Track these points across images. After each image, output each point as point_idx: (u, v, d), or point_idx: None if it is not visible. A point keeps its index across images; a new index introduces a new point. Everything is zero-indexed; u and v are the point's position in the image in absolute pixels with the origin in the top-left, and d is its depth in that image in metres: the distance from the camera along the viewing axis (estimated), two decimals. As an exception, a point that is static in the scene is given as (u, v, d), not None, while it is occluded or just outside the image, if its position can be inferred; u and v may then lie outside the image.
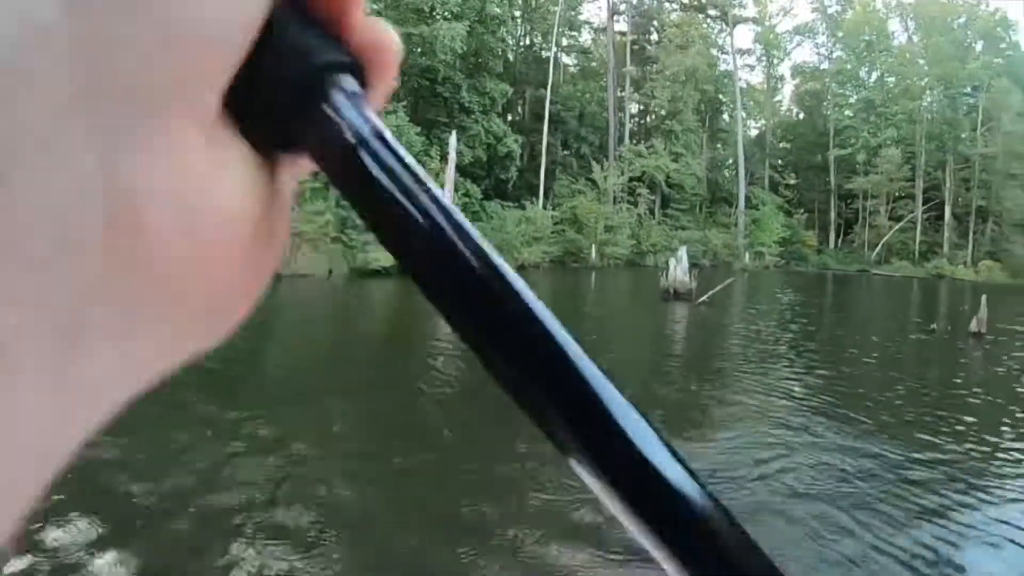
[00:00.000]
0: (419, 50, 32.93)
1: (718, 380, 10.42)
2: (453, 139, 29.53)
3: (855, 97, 65.12)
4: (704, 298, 20.49)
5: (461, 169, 33.84)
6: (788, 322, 18.68)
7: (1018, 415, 8.88)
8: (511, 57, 46.16)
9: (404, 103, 33.48)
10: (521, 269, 31.24)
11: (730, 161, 49.10)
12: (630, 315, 20.15)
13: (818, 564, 4.61)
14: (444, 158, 29.79)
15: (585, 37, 54.48)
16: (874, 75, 65.35)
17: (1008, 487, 6.21)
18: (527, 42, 48.17)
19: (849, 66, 65.39)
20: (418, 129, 31.36)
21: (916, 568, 4.55)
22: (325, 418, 7.23)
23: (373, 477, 5.75)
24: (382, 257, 24.02)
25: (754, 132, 64.60)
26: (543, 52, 48.75)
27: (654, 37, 54.46)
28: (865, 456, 6.75)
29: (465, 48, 36.35)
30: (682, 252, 22.44)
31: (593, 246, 36.08)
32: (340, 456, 6.15)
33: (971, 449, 7.18)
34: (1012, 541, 5.07)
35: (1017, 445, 7.42)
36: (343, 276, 23.89)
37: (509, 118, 45.54)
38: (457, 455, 6.46)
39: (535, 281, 27.97)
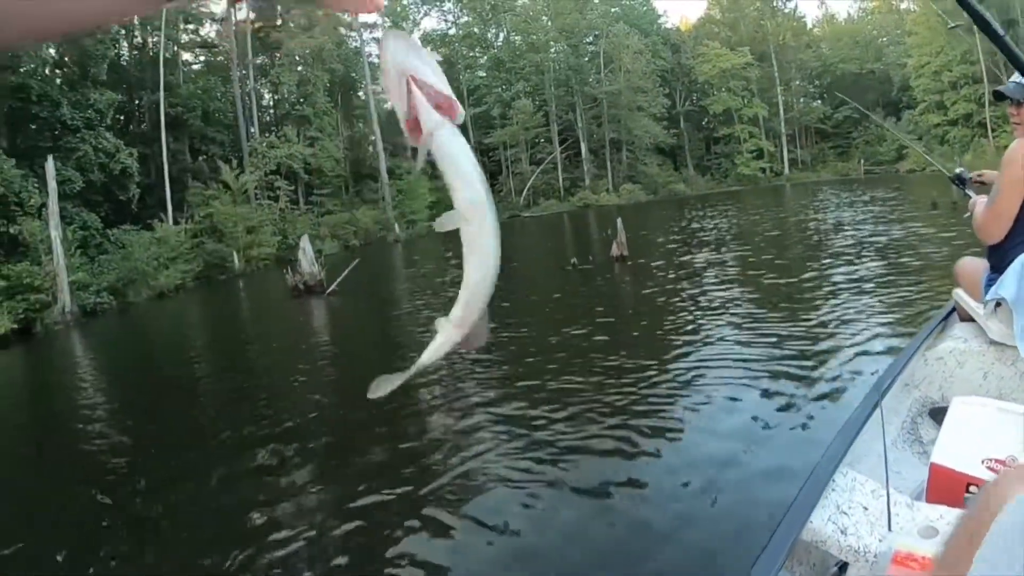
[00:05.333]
0: (6, 67, 29.40)
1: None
2: (50, 165, 26.63)
3: (485, 58, 69.48)
4: (333, 287, 20.09)
5: (73, 197, 31.15)
6: (421, 291, 18.87)
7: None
8: (125, 62, 43.34)
9: (-9, 134, 30.13)
10: (161, 297, 29.75)
11: (373, 137, 50.32)
12: (250, 325, 19.69)
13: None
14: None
15: (208, 29, 52.33)
16: (501, 35, 70.16)
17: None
18: (139, 42, 44.96)
19: (476, 29, 69.44)
20: (13, 161, 27.85)
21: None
22: None
23: None
24: None
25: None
26: (165, 53, 45.91)
27: (279, 22, 53.63)
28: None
29: (58, 56, 33.29)
30: (304, 242, 21.81)
31: (235, 252, 35.27)
32: None
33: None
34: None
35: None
36: None
37: (131, 129, 42.88)
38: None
39: (166, 309, 27.33)
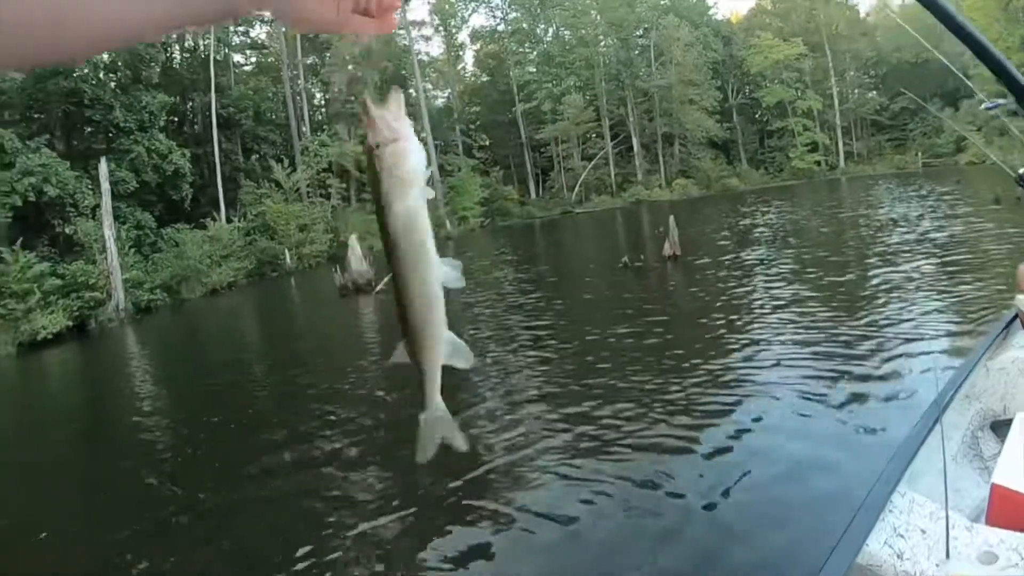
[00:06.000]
0: (59, 72, 29.46)
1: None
2: (103, 166, 27.09)
3: (534, 53, 68.72)
4: (381, 286, 19.21)
5: (127, 197, 31.46)
6: (472, 289, 17.86)
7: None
8: (176, 65, 43.63)
9: (47, 136, 30.27)
10: (213, 294, 30.03)
11: (424, 134, 49.87)
12: (299, 322, 19.64)
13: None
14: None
15: (258, 31, 52.55)
16: (551, 30, 69.30)
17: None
18: (191, 45, 45.32)
19: (525, 25, 68.70)
20: (67, 164, 28.35)
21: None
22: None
23: None
24: (49, 323, 22.23)
25: (441, 101, 66.25)
26: (216, 55, 46.28)
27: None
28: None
29: (110, 60, 33.55)
30: (352, 241, 21.49)
31: (287, 250, 35.26)
32: None
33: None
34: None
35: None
36: (11, 356, 21.00)
37: (184, 130, 43.21)
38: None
39: (218, 305, 27.31)
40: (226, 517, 5.86)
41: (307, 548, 4.88)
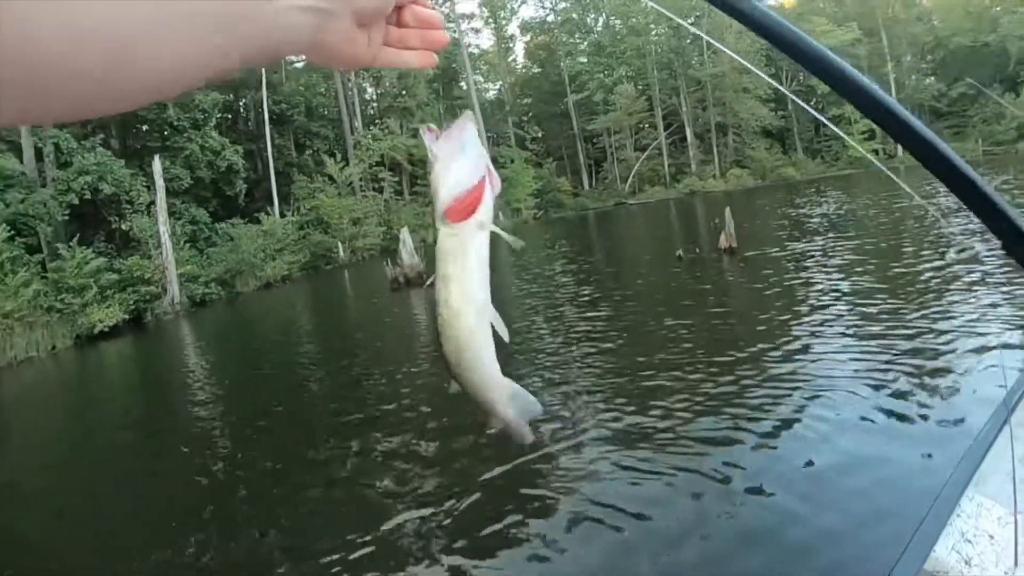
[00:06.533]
0: None
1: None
2: (157, 164, 27.45)
3: (585, 43, 67.86)
4: (432, 279, 19.18)
5: (182, 193, 31.91)
6: (525, 282, 17.54)
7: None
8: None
9: (102, 136, 30.74)
10: (267, 287, 30.30)
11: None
12: (349, 316, 19.48)
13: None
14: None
15: (308, 27, 52.71)
16: (600, 20, 68.33)
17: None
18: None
19: (575, 15, 67.90)
20: (122, 162, 28.88)
21: None
22: None
23: None
24: (105, 316, 22.54)
25: (492, 94, 65.83)
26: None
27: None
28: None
29: None
30: (404, 234, 21.01)
31: (340, 243, 35.25)
32: None
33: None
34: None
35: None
36: (69, 348, 21.49)
37: (237, 127, 43.55)
38: None
39: (272, 298, 27.27)
40: (283, 504, 5.81)
41: (364, 534, 4.88)
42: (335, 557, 4.64)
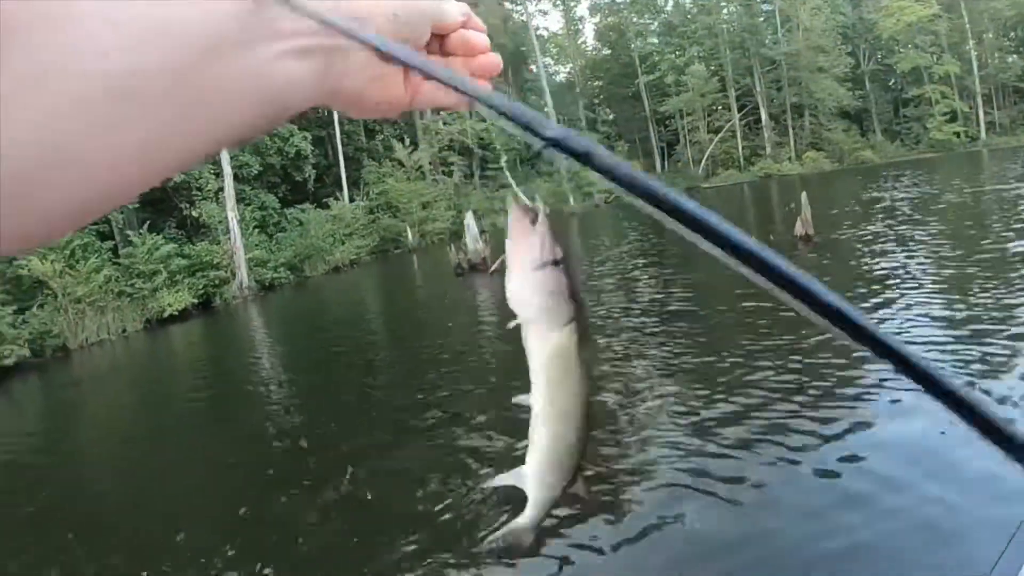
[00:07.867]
0: None
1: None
2: (224, 152, 27.33)
3: (655, 23, 66.18)
4: (495, 266, 17.91)
5: (252, 180, 32.06)
6: (598, 270, 16.88)
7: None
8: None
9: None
10: (336, 271, 30.31)
11: (546, 109, 48.50)
12: (415, 300, 19.20)
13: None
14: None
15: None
16: (670, -1, 66.53)
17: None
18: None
19: (644, -5, 66.24)
20: None
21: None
22: None
23: None
24: (174, 301, 22.80)
25: (563, 77, 64.72)
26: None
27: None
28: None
29: None
30: (468, 219, 20.43)
31: (409, 227, 34.98)
32: None
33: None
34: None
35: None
36: (139, 332, 21.92)
37: (306, 113, 43.48)
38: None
39: (340, 282, 27.03)
40: (357, 484, 5.87)
41: (439, 513, 4.95)
42: (410, 525, 4.76)
